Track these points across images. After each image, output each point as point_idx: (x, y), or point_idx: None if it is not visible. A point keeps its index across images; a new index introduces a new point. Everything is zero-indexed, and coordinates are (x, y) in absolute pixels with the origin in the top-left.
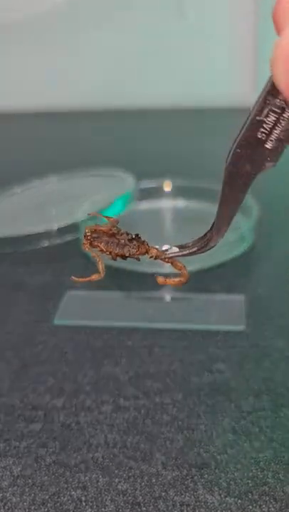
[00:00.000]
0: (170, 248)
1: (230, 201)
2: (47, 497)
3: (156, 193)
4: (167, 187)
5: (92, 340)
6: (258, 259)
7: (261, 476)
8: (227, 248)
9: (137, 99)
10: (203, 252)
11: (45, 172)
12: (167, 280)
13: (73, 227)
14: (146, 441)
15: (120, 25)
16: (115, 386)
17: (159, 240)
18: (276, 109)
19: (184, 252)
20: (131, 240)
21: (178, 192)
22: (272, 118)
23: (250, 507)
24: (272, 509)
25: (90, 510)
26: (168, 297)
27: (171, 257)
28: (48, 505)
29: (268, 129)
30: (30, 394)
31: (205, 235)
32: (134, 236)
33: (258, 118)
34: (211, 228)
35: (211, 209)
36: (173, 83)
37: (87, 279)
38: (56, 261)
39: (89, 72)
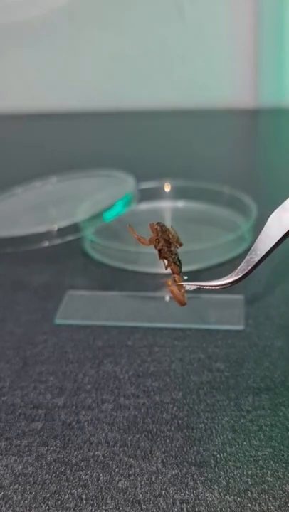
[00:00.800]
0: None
1: (261, 246)
2: (48, 495)
3: (156, 193)
4: (167, 188)
5: (92, 340)
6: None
7: (260, 474)
8: (227, 248)
9: (137, 99)
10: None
11: (45, 172)
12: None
13: (73, 228)
14: (147, 439)
15: (120, 25)
16: (115, 385)
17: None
18: None
19: (207, 286)
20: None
21: (178, 192)
22: None
23: (250, 505)
24: (272, 507)
25: (90, 508)
26: (168, 297)
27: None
28: (49, 503)
29: None
30: (31, 393)
31: (238, 278)
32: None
33: None
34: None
35: (211, 209)
36: (173, 84)
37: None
38: (56, 261)
39: (89, 72)
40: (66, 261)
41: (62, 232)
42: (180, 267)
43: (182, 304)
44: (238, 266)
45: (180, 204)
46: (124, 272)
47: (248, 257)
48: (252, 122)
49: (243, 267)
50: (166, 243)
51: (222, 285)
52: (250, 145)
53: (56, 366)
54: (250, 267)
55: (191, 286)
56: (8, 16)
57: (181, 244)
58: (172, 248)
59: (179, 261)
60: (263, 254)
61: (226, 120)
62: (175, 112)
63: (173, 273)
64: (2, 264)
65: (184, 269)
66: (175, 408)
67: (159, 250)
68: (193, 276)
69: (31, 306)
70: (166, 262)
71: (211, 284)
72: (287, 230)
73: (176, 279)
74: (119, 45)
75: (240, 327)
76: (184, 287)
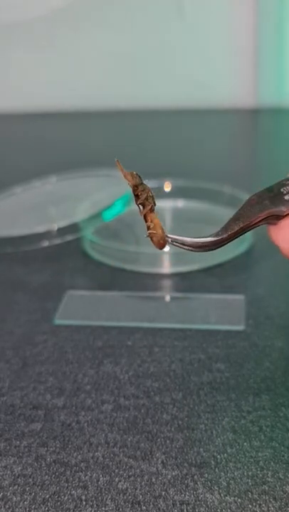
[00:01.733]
0: (180, 236)
1: (243, 218)
2: (47, 496)
3: (156, 193)
4: (167, 187)
5: (92, 340)
6: (258, 259)
7: (261, 475)
8: (227, 248)
9: (137, 99)
10: (199, 252)
11: (45, 172)
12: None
13: (73, 227)
14: (147, 440)
15: (120, 25)
16: (115, 385)
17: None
18: None
19: (188, 246)
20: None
21: (178, 192)
22: None
23: (250, 506)
24: (272, 508)
25: (90, 509)
26: (168, 297)
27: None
28: (49, 504)
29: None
30: (30, 393)
31: (217, 239)
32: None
33: (285, 182)
34: (220, 231)
35: (211, 209)
36: (173, 84)
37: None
38: (56, 261)
39: (89, 72)
40: (66, 261)
41: (61, 231)
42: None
43: (163, 241)
44: (238, 266)
45: (180, 204)
46: (124, 272)
47: (230, 224)
48: (252, 122)
49: (225, 229)
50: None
51: (203, 243)
52: (250, 145)
53: (56, 366)
54: (232, 231)
55: (170, 238)
56: (8, 16)
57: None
58: (149, 199)
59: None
60: (246, 222)
61: (226, 120)
62: (175, 111)
63: (147, 221)
64: (2, 264)
65: (184, 269)
66: (175, 409)
67: (136, 195)
68: (194, 276)
69: (31, 306)
70: (141, 207)
71: (193, 241)
72: (264, 212)
73: (151, 227)
74: (119, 44)
75: (241, 327)
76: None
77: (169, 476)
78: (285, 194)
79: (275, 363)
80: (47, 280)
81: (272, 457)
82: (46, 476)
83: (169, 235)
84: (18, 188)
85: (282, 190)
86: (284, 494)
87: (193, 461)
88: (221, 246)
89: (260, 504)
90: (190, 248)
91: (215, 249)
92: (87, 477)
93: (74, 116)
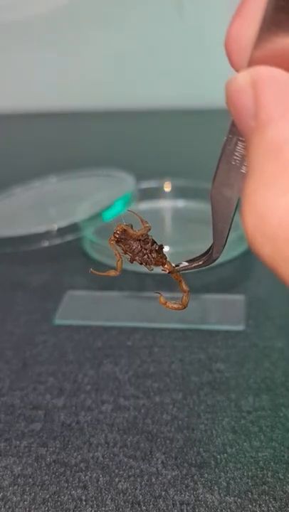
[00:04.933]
0: (180, 263)
1: (219, 221)
2: (47, 496)
3: (156, 193)
4: (167, 187)
5: (92, 340)
6: (258, 259)
7: (261, 476)
8: (227, 248)
9: (137, 99)
10: (209, 265)
11: (45, 172)
12: (168, 303)
13: (73, 227)
14: (146, 440)
15: (120, 25)
16: (115, 386)
17: (159, 240)
18: (242, 138)
19: (194, 265)
20: (152, 251)
21: (178, 192)
22: (240, 146)
23: (250, 506)
24: (272, 508)
25: (90, 509)
26: (168, 297)
27: (181, 275)
28: (49, 504)
29: (240, 156)
30: (30, 393)
31: (209, 248)
32: (157, 248)
33: (228, 147)
34: (212, 243)
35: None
36: (173, 83)
37: (105, 273)
38: (56, 261)
39: (89, 72)
40: (66, 261)
41: (61, 232)
42: (165, 257)
43: (184, 305)
44: (238, 266)
45: (180, 204)
46: (124, 272)
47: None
48: None
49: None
50: (135, 242)
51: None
52: None
53: (56, 367)
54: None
55: (181, 268)
56: (9, 16)
57: (147, 228)
58: (145, 244)
59: (162, 249)
60: (227, 229)
61: (226, 120)
62: (175, 111)
63: (167, 269)
64: (2, 264)
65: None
66: (175, 409)
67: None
68: (194, 276)
69: (31, 306)
70: (162, 267)
71: (194, 265)
72: (235, 205)
73: (174, 271)
74: (119, 45)
75: (241, 327)
76: (187, 288)
77: (169, 476)
78: (240, 167)
79: (275, 363)
80: (47, 280)
81: (272, 457)
82: (46, 476)
83: (177, 268)
84: (18, 188)
85: (233, 163)
86: (284, 494)
87: (193, 461)
88: (221, 250)
89: (260, 504)
90: (197, 267)
91: (216, 259)
92: (87, 477)
93: (74, 116)
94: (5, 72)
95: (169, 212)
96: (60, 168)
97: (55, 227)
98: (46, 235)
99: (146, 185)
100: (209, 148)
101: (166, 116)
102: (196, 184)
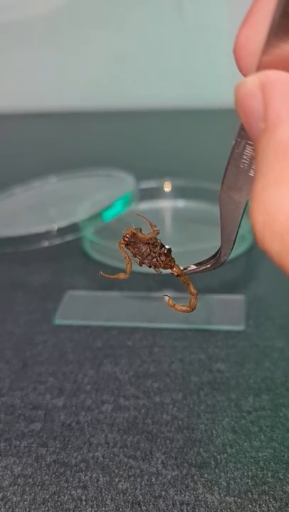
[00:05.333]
0: (188, 266)
1: (227, 224)
2: (47, 496)
3: (156, 193)
4: (167, 187)
5: (92, 340)
6: (258, 259)
7: (261, 476)
8: None
9: (137, 99)
10: (217, 267)
11: (45, 172)
12: (176, 305)
13: (73, 227)
14: (147, 440)
15: (120, 25)
16: (115, 386)
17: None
18: (250, 142)
19: (202, 268)
20: (161, 255)
21: (178, 192)
22: (249, 149)
23: (250, 506)
24: (272, 508)
25: (90, 509)
26: (168, 297)
27: (189, 278)
28: (49, 504)
29: (248, 160)
30: (30, 393)
31: (216, 252)
32: (166, 251)
33: (237, 151)
34: (220, 247)
35: (211, 209)
36: (173, 83)
37: (114, 276)
38: (56, 261)
39: (89, 72)
40: (66, 261)
41: (61, 232)
42: (174, 260)
43: (192, 308)
44: (238, 266)
45: (180, 204)
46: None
47: (224, 237)
48: None
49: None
50: (144, 245)
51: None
52: None
53: (56, 367)
54: (231, 246)
55: (189, 271)
56: (9, 16)
57: (156, 231)
58: (153, 247)
59: (170, 252)
60: (235, 232)
61: (226, 120)
62: (175, 111)
63: (176, 272)
64: (2, 264)
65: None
66: (175, 409)
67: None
68: (194, 276)
69: (31, 306)
70: (170, 270)
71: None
72: (243, 208)
73: (182, 274)
74: (119, 45)
75: (241, 327)
76: (195, 291)
77: (169, 477)
78: (248, 171)
79: (275, 363)
80: (47, 280)
81: (272, 457)
82: (46, 476)
83: (185, 271)
84: (18, 188)
85: (241, 166)
86: (284, 494)
87: (193, 462)
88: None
89: (260, 504)
90: (205, 270)
91: (224, 262)
92: (87, 477)
93: (74, 116)
94: (5, 72)
95: (169, 212)
96: (60, 168)
97: (55, 227)
98: (46, 235)
99: (146, 185)
100: (209, 148)
101: (166, 116)
102: (196, 184)
